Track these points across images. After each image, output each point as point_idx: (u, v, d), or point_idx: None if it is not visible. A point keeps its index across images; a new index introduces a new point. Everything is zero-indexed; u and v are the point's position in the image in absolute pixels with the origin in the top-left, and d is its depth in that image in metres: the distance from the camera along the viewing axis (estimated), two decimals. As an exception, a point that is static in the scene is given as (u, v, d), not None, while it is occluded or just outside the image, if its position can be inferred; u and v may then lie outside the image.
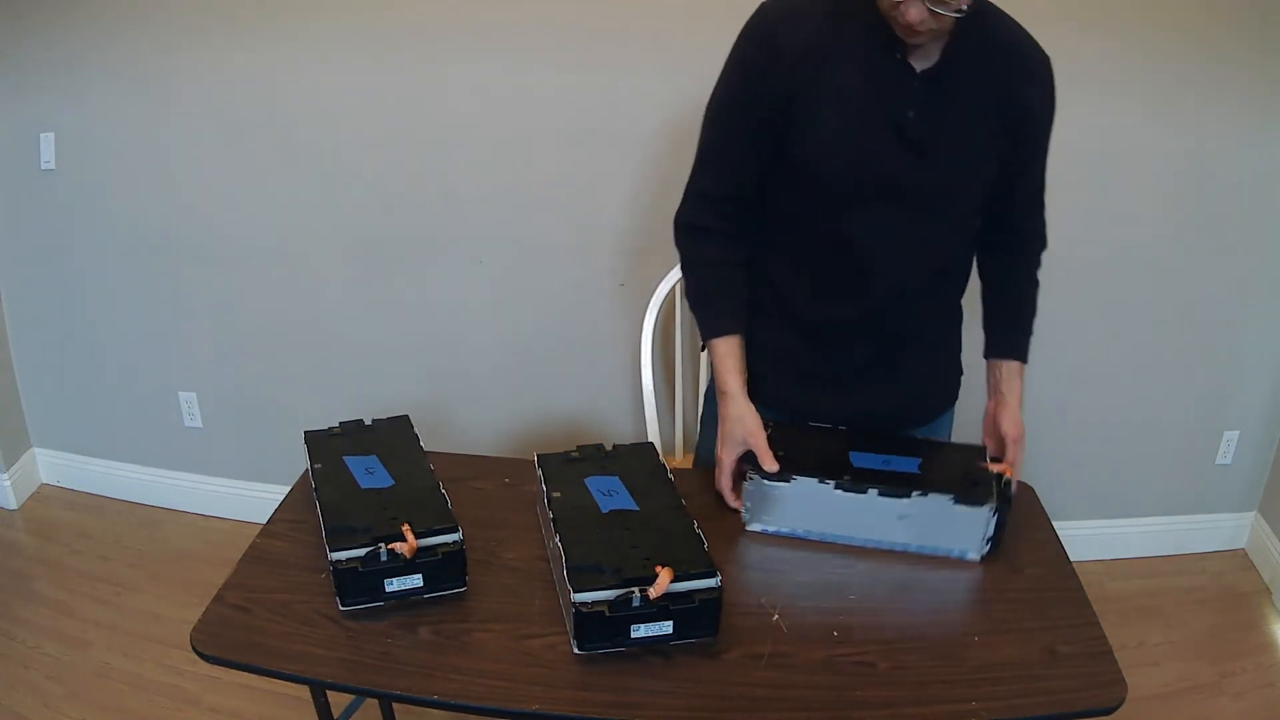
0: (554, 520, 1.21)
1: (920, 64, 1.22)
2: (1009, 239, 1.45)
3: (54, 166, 2.31)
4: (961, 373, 1.54)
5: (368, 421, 1.46)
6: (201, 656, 1.13)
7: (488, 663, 1.11)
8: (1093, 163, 2.05)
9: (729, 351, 1.38)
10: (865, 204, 1.29)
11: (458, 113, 2.14)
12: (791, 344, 1.42)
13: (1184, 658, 2.11)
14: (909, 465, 1.31)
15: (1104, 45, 1.95)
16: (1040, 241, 1.48)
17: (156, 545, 2.50)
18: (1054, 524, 1.38)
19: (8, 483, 2.60)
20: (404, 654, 1.13)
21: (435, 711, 1.11)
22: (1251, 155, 2.05)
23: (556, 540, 1.17)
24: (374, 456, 1.36)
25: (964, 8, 1.10)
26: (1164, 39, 1.95)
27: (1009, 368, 1.43)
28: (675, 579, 1.10)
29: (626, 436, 1.53)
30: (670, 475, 1.32)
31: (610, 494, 1.26)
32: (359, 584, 1.17)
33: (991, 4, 1.27)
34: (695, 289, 1.42)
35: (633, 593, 1.09)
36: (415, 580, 1.18)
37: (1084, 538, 2.39)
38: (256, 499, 2.50)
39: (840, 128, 1.25)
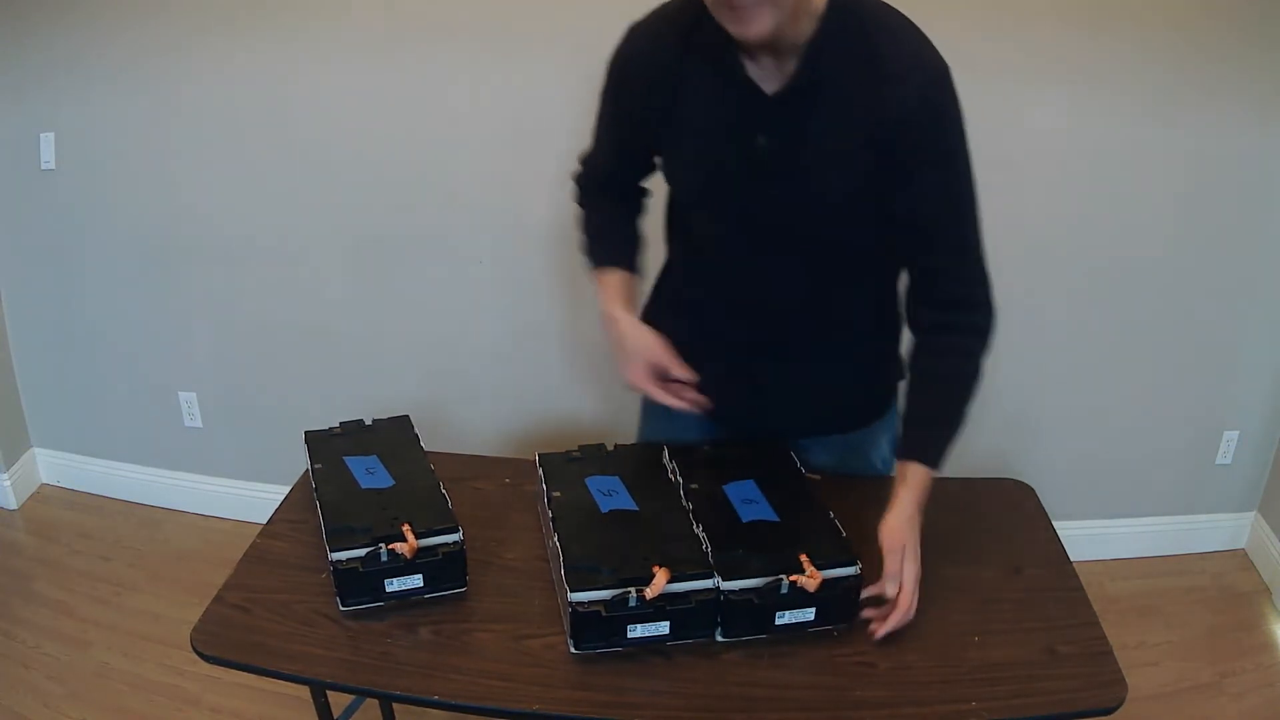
0: (553, 520, 1.21)
1: (771, 85, 1.13)
2: (933, 313, 1.25)
3: (54, 166, 2.31)
4: (900, 377, 1.40)
5: (368, 421, 1.46)
6: (201, 656, 1.13)
7: (487, 663, 1.11)
8: (1093, 163, 2.06)
9: (612, 281, 1.35)
10: (726, 227, 1.27)
11: (458, 113, 2.14)
12: (689, 340, 1.37)
13: (1184, 658, 2.11)
14: (767, 513, 1.22)
15: (1104, 45, 1.95)
16: (974, 316, 1.24)
17: (156, 545, 2.50)
18: (1054, 524, 1.38)
19: (8, 483, 2.60)
20: (404, 654, 1.13)
21: (435, 711, 1.11)
22: (1252, 155, 2.05)
23: (555, 540, 1.17)
24: (374, 457, 1.36)
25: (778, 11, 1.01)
26: (1164, 38, 1.95)
27: (911, 469, 1.21)
28: (673, 579, 1.10)
29: (628, 436, 1.53)
30: (674, 476, 1.32)
31: (610, 494, 1.26)
32: (359, 584, 1.17)
33: (877, 15, 1.12)
34: (586, 231, 1.41)
35: (629, 592, 1.09)
36: (416, 580, 1.18)
37: (1084, 538, 2.39)
38: (256, 499, 2.49)
39: (693, 157, 1.24)
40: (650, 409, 1.51)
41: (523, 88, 2.09)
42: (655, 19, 1.24)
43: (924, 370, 1.26)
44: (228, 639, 1.15)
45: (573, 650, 1.11)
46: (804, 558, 1.12)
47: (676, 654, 1.12)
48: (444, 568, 1.19)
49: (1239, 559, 2.46)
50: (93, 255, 2.41)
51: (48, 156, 2.30)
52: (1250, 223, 2.13)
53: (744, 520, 1.21)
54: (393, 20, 2.06)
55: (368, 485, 1.29)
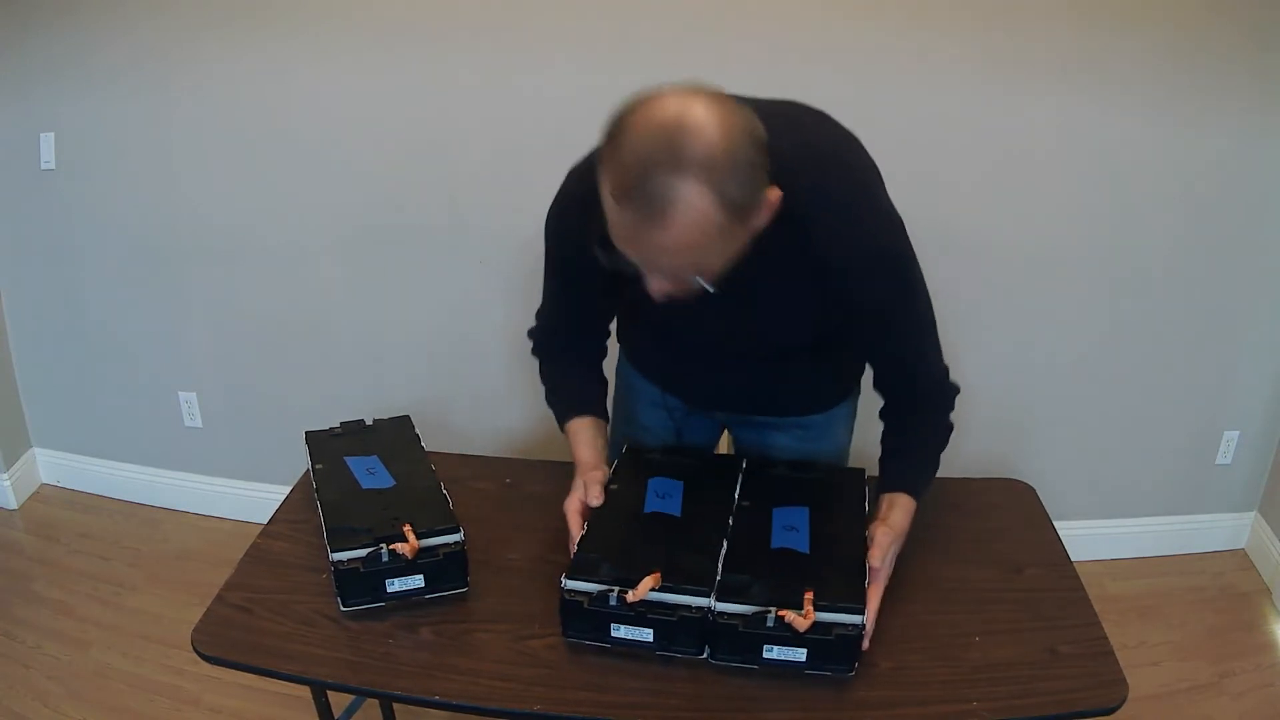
0: (597, 510, 1.23)
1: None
2: (894, 394, 1.31)
3: (54, 166, 2.31)
4: (857, 368, 1.48)
5: (369, 422, 1.46)
6: (202, 656, 1.13)
7: (488, 663, 1.11)
8: (1092, 161, 2.05)
9: (577, 429, 1.37)
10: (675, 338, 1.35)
11: (461, 112, 2.13)
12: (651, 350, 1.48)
13: (1184, 658, 2.11)
14: (800, 543, 1.20)
15: (1104, 44, 1.95)
16: (936, 400, 1.29)
17: (156, 545, 2.50)
18: (1054, 524, 1.38)
19: (8, 483, 2.60)
20: (404, 654, 1.13)
21: (435, 711, 1.11)
22: (1253, 155, 2.05)
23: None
24: (375, 457, 1.36)
25: (709, 287, 1.02)
26: (1165, 38, 1.95)
27: (897, 499, 1.25)
28: (663, 589, 1.09)
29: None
30: (736, 489, 1.32)
31: (664, 496, 1.27)
32: (360, 584, 1.17)
33: (816, 199, 1.08)
34: (546, 383, 1.43)
35: (612, 591, 1.09)
36: (417, 580, 1.18)
37: (1084, 538, 2.39)
38: (256, 499, 2.49)
39: (641, 313, 1.29)
40: (620, 395, 1.57)
41: (524, 87, 2.09)
42: (590, 167, 1.11)
43: (895, 425, 1.31)
44: (228, 639, 1.15)
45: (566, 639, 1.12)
46: (808, 595, 1.07)
47: (675, 658, 1.12)
48: (445, 568, 1.19)
49: (1239, 559, 2.46)
50: (93, 255, 2.41)
51: (48, 156, 2.30)
52: (1250, 222, 2.13)
53: (772, 546, 1.19)
54: (393, 19, 2.06)
55: (368, 485, 1.29)
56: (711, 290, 1.03)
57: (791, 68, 1.98)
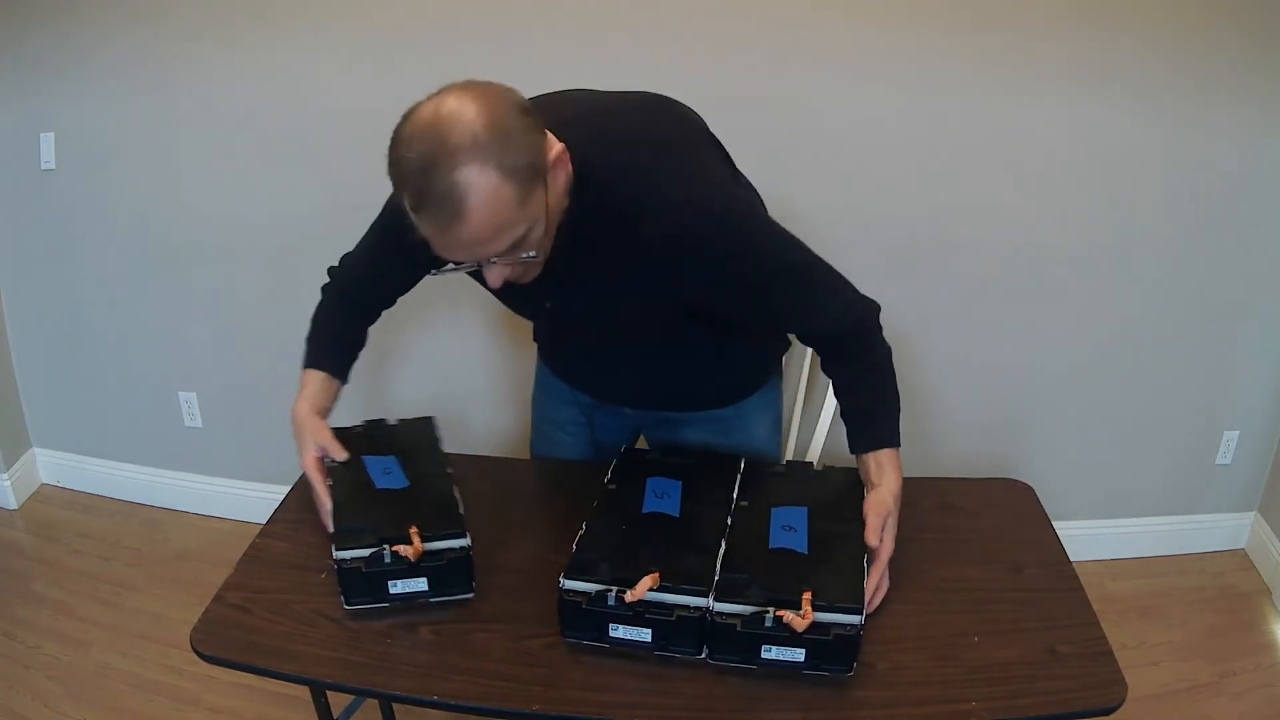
0: (595, 508, 1.24)
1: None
2: (817, 344, 1.31)
3: (54, 166, 2.31)
4: (773, 356, 1.50)
5: (392, 421, 1.45)
6: (201, 656, 1.13)
7: (488, 663, 1.11)
8: (1092, 161, 2.05)
9: (309, 382, 1.43)
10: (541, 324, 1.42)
11: (458, 113, 2.13)
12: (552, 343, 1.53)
13: (1184, 658, 2.11)
14: (799, 543, 1.19)
15: (1105, 45, 1.95)
16: (855, 330, 1.26)
17: (156, 545, 2.50)
18: (1054, 524, 1.38)
19: (8, 483, 2.60)
20: (404, 654, 1.13)
21: (435, 711, 1.11)
22: (1253, 154, 2.05)
23: (584, 526, 1.20)
24: (393, 457, 1.34)
25: (534, 249, 1.04)
26: (1166, 38, 1.95)
27: (882, 455, 1.26)
28: (661, 589, 1.09)
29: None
30: (735, 488, 1.32)
31: (663, 496, 1.27)
32: (362, 584, 1.17)
33: (622, 176, 1.10)
34: (311, 324, 1.48)
35: (610, 590, 1.09)
36: (420, 584, 1.18)
37: (1084, 538, 2.39)
38: (256, 499, 2.50)
39: (503, 302, 1.30)
40: (537, 392, 1.62)
41: (526, 88, 2.08)
42: None
43: (838, 377, 1.30)
44: (228, 639, 1.15)
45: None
46: (807, 595, 1.07)
47: (675, 658, 1.12)
48: (449, 572, 1.18)
49: (1239, 559, 2.46)
50: (93, 255, 2.41)
51: (48, 156, 2.30)
52: (1251, 223, 2.13)
53: (770, 546, 1.18)
54: (394, 20, 2.06)
55: (382, 485, 1.28)
56: (538, 259, 1.06)
57: (792, 68, 1.98)
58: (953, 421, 2.30)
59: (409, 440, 1.40)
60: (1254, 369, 2.30)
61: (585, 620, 1.11)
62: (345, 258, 1.44)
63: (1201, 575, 2.41)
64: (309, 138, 2.19)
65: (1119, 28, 1.94)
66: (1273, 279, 2.19)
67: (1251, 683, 2.04)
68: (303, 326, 2.48)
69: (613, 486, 1.28)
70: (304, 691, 1.31)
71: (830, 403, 1.58)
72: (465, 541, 1.19)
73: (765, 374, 1.50)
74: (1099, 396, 2.30)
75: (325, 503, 1.26)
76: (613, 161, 1.10)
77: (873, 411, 1.28)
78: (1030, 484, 1.47)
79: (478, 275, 1.10)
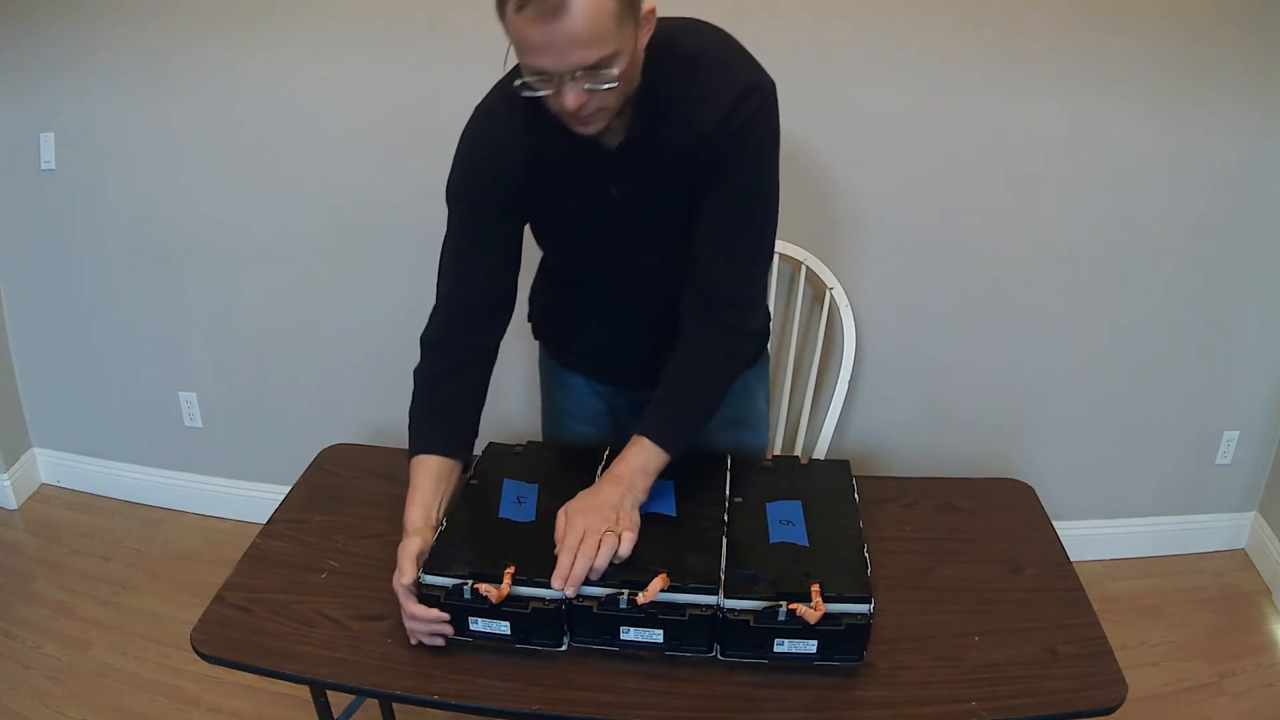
0: None
1: (614, 139, 1.19)
2: (699, 306, 1.26)
3: (54, 166, 2.31)
4: (765, 330, 1.51)
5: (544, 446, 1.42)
6: (201, 656, 1.13)
7: (488, 663, 1.11)
8: (1093, 162, 2.05)
9: (423, 474, 1.24)
10: (589, 271, 1.38)
11: (462, 112, 2.12)
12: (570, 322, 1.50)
13: (1184, 658, 2.11)
14: (799, 537, 1.20)
15: (1105, 45, 1.95)
16: (737, 315, 1.27)
17: (156, 545, 2.50)
18: (1054, 524, 1.38)
19: (8, 483, 2.60)
20: (404, 654, 1.13)
21: (435, 711, 1.11)
22: (1253, 154, 2.05)
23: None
24: (534, 486, 1.29)
25: (615, 78, 1.05)
26: (1166, 38, 1.95)
27: (643, 445, 1.22)
28: (672, 589, 1.09)
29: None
30: (726, 486, 1.31)
31: (657, 496, 1.26)
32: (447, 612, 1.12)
33: (693, 46, 1.18)
34: (415, 397, 1.34)
35: (621, 594, 1.09)
36: (502, 627, 1.11)
37: (1084, 538, 2.39)
38: (256, 499, 2.50)
39: (560, 225, 1.31)
40: (546, 392, 1.62)
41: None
42: (498, 95, 1.31)
43: (682, 360, 1.27)
44: (228, 639, 1.15)
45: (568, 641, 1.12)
46: (815, 587, 1.08)
47: (676, 654, 1.12)
48: (536, 621, 1.10)
49: (1239, 559, 2.46)
50: (93, 255, 2.41)
51: (48, 156, 2.30)
52: (1252, 223, 2.13)
53: (771, 541, 1.19)
54: (394, 20, 2.06)
55: (505, 515, 1.23)
56: (617, 89, 1.06)
57: (792, 69, 1.98)
58: (953, 421, 2.30)
59: (554, 467, 1.33)
60: (1254, 369, 2.30)
61: (596, 625, 1.11)
62: (435, 316, 1.37)
63: (1202, 575, 2.41)
64: (309, 138, 2.19)
65: (1119, 28, 1.94)
66: (1273, 279, 2.19)
67: (1251, 683, 2.04)
68: (303, 326, 2.49)
69: None
70: (304, 691, 1.31)
71: (839, 396, 1.58)
72: (562, 595, 1.09)
73: (762, 348, 1.52)
74: (1099, 396, 2.30)
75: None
76: (682, 39, 1.17)
77: (679, 413, 1.25)
78: (1030, 484, 1.47)
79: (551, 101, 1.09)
